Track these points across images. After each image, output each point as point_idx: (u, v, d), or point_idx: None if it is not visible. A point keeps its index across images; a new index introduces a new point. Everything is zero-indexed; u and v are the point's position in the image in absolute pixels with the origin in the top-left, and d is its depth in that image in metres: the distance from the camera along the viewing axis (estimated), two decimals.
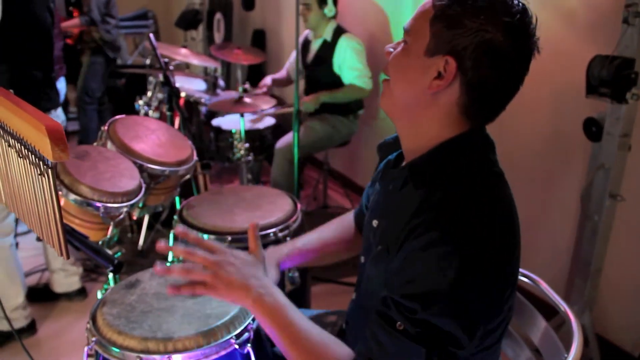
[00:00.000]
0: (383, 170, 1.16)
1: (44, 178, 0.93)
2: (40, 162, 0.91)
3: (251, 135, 3.24)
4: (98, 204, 1.53)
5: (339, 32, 3.21)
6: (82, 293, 2.72)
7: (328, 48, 3.21)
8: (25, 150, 0.95)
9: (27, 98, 0.95)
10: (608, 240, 2.15)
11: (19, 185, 1.04)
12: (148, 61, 3.57)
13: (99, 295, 1.68)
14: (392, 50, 1.03)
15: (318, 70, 3.30)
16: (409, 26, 1.00)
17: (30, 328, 2.45)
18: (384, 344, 0.91)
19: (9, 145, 1.01)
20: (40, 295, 2.68)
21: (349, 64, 3.15)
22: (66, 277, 2.65)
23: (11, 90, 1.04)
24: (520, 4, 0.95)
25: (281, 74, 3.67)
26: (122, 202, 1.59)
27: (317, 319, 1.45)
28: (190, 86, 3.63)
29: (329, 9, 3.18)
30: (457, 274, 0.85)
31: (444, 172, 0.97)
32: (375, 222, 1.12)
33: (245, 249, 1.34)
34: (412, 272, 0.89)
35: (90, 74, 4.40)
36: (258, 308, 1.01)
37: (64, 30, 4.32)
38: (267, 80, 3.57)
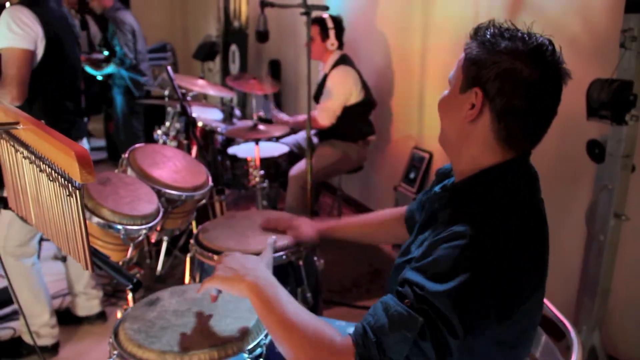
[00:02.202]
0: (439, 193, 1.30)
1: (72, 199, 1.01)
2: (69, 184, 1.00)
3: (266, 162, 3.33)
4: (119, 227, 1.62)
5: (336, 64, 3.32)
6: (102, 316, 2.79)
7: (325, 79, 3.35)
8: (55, 174, 1.04)
9: (59, 127, 1.05)
10: (615, 259, 2.18)
11: (48, 207, 1.12)
12: (167, 92, 3.69)
13: (119, 315, 1.75)
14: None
15: (319, 99, 3.42)
16: (452, 75, 1.16)
17: (54, 348, 2.53)
18: (388, 315, 0.98)
19: (40, 170, 1.10)
20: (63, 318, 2.75)
21: (324, 94, 3.27)
22: (87, 300, 2.73)
23: (42, 120, 1.14)
24: (540, 37, 1.07)
25: (302, 117, 3.75)
26: (141, 224, 1.68)
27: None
28: (207, 116, 3.75)
29: (331, 43, 3.30)
30: (471, 269, 0.94)
31: (482, 195, 1.08)
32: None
33: None
34: (431, 254, 1.00)
35: (132, 112, 4.47)
36: (252, 290, 1.14)
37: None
38: (284, 117, 3.65)
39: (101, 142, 5.51)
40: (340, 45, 3.38)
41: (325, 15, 3.29)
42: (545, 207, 1.13)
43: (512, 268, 0.98)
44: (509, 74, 1.03)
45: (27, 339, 2.47)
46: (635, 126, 2.01)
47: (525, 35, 1.06)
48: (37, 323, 2.44)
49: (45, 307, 2.47)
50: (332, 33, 3.28)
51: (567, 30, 2.38)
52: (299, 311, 1.09)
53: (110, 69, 4.23)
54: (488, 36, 1.08)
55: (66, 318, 2.76)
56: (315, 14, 3.09)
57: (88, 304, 2.74)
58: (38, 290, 2.45)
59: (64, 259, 2.36)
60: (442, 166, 1.38)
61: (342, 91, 3.25)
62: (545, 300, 1.38)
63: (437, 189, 1.28)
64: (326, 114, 3.25)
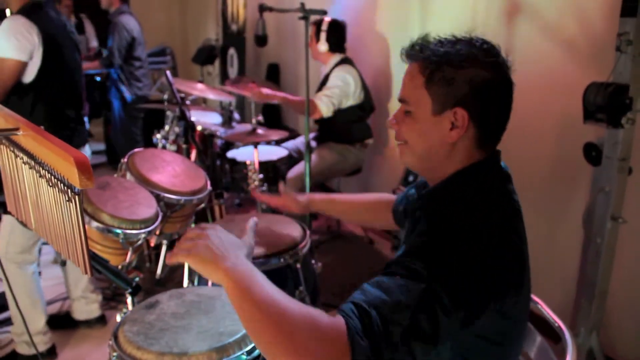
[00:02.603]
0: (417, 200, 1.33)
1: (71, 204, 1.02)
2: (68, 190, 1.01)
3: (265, 166, 3.34)
4: (118, 231, 1.64)
5: (338, 64, 3.35)
6: (101, 320, 2.79)
7: (327, 78, 3.36)
8: (55, 180, 1.05)
9: (61, 135, 1.06)
10: (612, 262, 2.19)
11: (48, 212, 1.14)
12: (166, 96, 3.71)
13: (118, 317, 1.76)
14: (395, 121, 1.18)
15: None
16: (406, 97, 1.15)
17: (50, 353, 2.54)
18: (382, 288, 0.96)
19: (40, 176, 1.11)
20: (62, 322, 2.76)
21: (327, 85, 3.28)
22: (86, 304, 2.74)
23: (42, 127, 1.15)
24: (491, 44, 1.12)
25: (298, 97, 3.78)
26: (140, 229, 1.70)
27: None
28: (206, 119, 3.76)
29: (321, 44, 3.32)
30: (458, 258, 0.97)
31: (457, 195, 1.11)
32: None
33: None
34: (418, 243, 1.05)
35: (127, 117, 4.49)
36: (230, 278, 0.99)
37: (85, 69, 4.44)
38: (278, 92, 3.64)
39: (101, 146, 5.52)
40: (342, 49, 3.40)
41: (327, 18, 3.32)
42: (521, 206, 1.17)
43: (489, 264, 1.00)
44: (482, 84, 1.07)
45: (20, 349, 2.47)
46: (631, 129, 2.03)
47: (471, 40, 1.11)
48: (32, 330, 2.44)
49: (41, 315, 2.48)
50: (322, 35, 3.30)
51: (564, 34, 2.40)
52: (283, 298, 0.96)
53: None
54: (440, 50, 1.10)
55: (65, 322, 2.77)
56: (314, 18, 3.10)
57: (87, 308, 2.75)
58: (36, 298, 2.46)
59: (63, 264, 2.37)
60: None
61: (342, 84, 3.28)
62: (541, 302, 1.40)
63: (413, 191, 1.35)
64: (326, 100, 3.23)
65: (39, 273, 3.00)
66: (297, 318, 0.92)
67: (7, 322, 2.73)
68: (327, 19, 3.30)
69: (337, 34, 3.36)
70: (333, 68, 3.35)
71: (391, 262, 1.03)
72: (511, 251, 1.07)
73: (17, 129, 1.17)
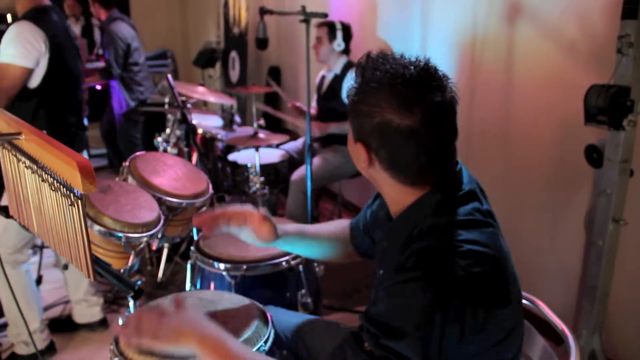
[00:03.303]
0: (380, 220, 1.29)
1: (74, 208, 1.03)
2: (71, 194, 1.01)
3: (266, 169, 3.34)
4: (120, 234, 1.64)
5: (348, 66, 3.36)
6: (103, 324, 2.79)
7: (338, 81, 3.36)
8: (57, 184, 1.05)
9: (63, 140, 1.06)
10: (614, 264, 2.19)
11: (50, 216, 1.14)
12: (167, 99, 3.71)
13: (121, 322, 1.76)
14: None
15: (330, 102, 3.43)
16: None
17: (49, 349, 2.55)
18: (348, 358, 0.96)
19: (42, 180, 1.12)
20: (63, 326, 2.76)
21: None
22: (88, 307, 2.74)
23: (44, 131, 1.15)
24: (412, 69, 1.00)
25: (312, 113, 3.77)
26: (142, 232, 1.70)
27: (335, 327, 1.53)
28: (207, 123, 3.77)
29: (338, 44, 3.34)
30: (419, 311, 0.91)
31: (416, 232, 1.03)
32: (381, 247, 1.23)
33: (261, 277, 1.45)
34: (384, 301, 0.97)
35: (127, 122, 4.49)
36: (204, 347, 1.04)
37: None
38: (302, 105, 3.64)
39: (102, 150, 5.52)
40: (347, 51, 3.42)
41: (335, 19, 3.36)
42: (496, 217, 1.08)
43: (461, 298, 0.93)
44: (383, 127, 0.99)
45: (19, 350, 2.48)
46: (632, 131, 2.02)
47: (397, 72, 0.99)
48: (29, 330, 2.44)
49: (36, 314, 2.48)
50: (339, 34, 3.34)
51: (565, 36, 2.40)
52: (259, 357, 1.08)
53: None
54: (362, 77, 1.04)
55: (67, 326, 2.76)
56: (315, 20, 3.11)
57: (89, 311, 2.75)
58: (31, 297, 2.47)
59: (65, 267, 2.37)
60: None
61: None
62: (544, 305, 1.40)
63: (370, 211, 1.32)
64: None
65: (41, 277, 3.03)
66: None
67: (2, 328, 2.73)
68: (337, 20, 3.34)
69: (348, 34, 3.41)
70: (344, 71, 3.35)
71: (361, 325, 0.99)
72: (483, 278, 0.97)
73: (19, 134, 1.17)
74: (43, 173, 1.10)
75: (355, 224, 1.49)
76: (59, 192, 1.06)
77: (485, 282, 0.96)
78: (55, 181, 1.06)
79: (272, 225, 1.37)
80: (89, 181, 0.94)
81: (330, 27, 3.34)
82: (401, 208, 1.09)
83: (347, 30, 3.40)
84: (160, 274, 3.16)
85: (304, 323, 1.53)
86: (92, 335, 2.76)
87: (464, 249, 0.97)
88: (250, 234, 1.38)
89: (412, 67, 1.00)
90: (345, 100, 3.39)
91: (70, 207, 1.04)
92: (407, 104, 0.98)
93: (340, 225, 1.54)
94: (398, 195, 1.09)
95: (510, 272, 1.04)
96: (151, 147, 3.51)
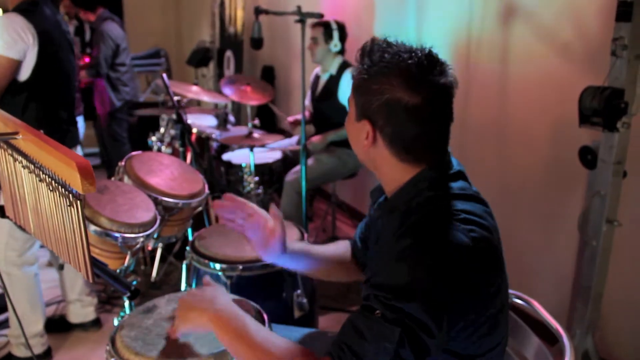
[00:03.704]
0: (377, 210, 1.31)
1: (72, 208, 1.02)
2: (70, 195, 1.01)
3: (260, 169, 3.35)
4: (116, 235, 1.63)
5: (344, 66, 3.34)
6: (97, 324, 2.78)
7: (334, 82, 3.35)
8: (55, 184, 1.05)
9: (54, 136, 1.06)
10: (607, 264, 2.20)
11: (48, 216, 1.13)
12: (160, 98, 3.70)
13: (116, 322, 1.76)
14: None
15: (325, 103, 3.43)
16: (348, 97, 1.17)
17: (47, 355, 2.54)
18: (362, 330, 0.98)
19: (40, 180, 1.11)
20: (57, 326, 2.75)
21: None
22: (82, 307, 2.73)
23: (41, 130, 1.15)
24: (419, 53, 1.06)
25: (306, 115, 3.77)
26: (138, 232, 1.69)
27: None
28: (201, 122, 3.76)
29: (334, 44, 3.32)
30: (425, 274, 0.96)
31: (412, 204, 1.08)
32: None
33: (257, 277, 1.46)
34: (389, 268, 1.01)
35: (113, 120, 4.48)
36: (216, 323, 1.11)
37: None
38: (298, 116, 3.66)
39: (95, 149, 5.49)
40: (343, 50, 3.40)
41: (331, 19, 3.33)
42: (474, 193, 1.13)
43: (464, 259, 0.99)
44: (392, 104, 1.05)
45: (16, 352, 2.46)
46: (626, 133, 2.04)
47: (403, 55, 1.05)
48: (30, 332, 2.43)
49: (40, 318, 2.48)
50: (335, 34, 3.32)
51: (560, 37, 2.42)
52: (270, 337, 1.08)
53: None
54: (370, 59, 1.08)
55: (60, 325, 2.75)
56: (311, 20, 3.11)
57: (83, 311, 2.74)
58: (36, 300, 2.46)
59: (61, 267, 2.36)
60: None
61: None
62: (538, 305, 1.41)
63: (374, 207, 1.31)
64: None
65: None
66: (284, 352, 1.04)
67: (5, 324, 2.72)
68: (331, 19, 3.32)
69: (344, 35, 3.40)
70: (340, 72, 3.34)
71: (368, 295, 1.01)
72: (476, 242, 1.02)
73: (16, 133, 1.16)
74: (40, 173, 1.10)
75: (354, 240, 1.52)
76: (57, 192, 1.05)
77: (485, 247, 1.03)
78: (53, 181, 1.06)
79: (283, 240, 1.38)
80: (89, 182, 0.93)
81: (326, 28, 3.32)
82: (397, 185, 1.13)
83: (342, 30, 3.39)
84: (154, 274, 3.16)
85: (303, 338, 1.54)
86: (86, 335, 2.75)
87: (462, 217, 1.03)
88: (260, 241, 1.39)
89: (418, 52, 1.07)
90: (342, 101, 3.38)
91: (68, 207, 1.03)
92: (415, 83, 1.04)
93: (343, 244, 1.57)
94: (396, 173, 1.13)
95: (501, 247, 1.10)
96: (145, 147, 3.50)
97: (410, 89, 1.04)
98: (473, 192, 1.13)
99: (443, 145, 1.13)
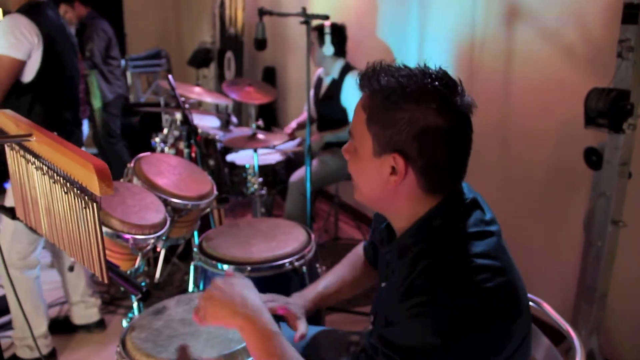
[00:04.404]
0: (380, 238, 1.24)
1: (87, 210, 1.02)
2: (85, 197, 1.01)
3: (264, 170, 3.35)
4: (127, 236, 1.64)
5: (346, 70, 3.34)
6: (101, 325, 2.78)
7: (336, 85, 3.34)
8: (70, 186, 1.05)
9: (60, 137, 1.07)
10: (612, 265, 2.21)
11: (61, 218, 1.13)
12: (162, 99, 3.70)
13: (124, 323, 1.76)
14: (347, 154, 1.12)
15: (328, 106, 3.43)
16: (352, 131, 1.08)
17: (51, 356, 2.54)
18: None
19: (54, 182, 1.11)
20: (61, 327, 2.75)
21: (353, 102, 3.26)
22: (86, 308, 2.73)
23: (55, 132, 1.15)
24: (439, 74, 1.00)
25: (304, 116, 3.78)
26: (149, 234, 1.69)
27: (342, 337, 1.53)
28: (204, 123, 3.76)
29: (327, 48, 3.30)
30: (441, 337, 0.90)
31: (424, 246, 1.02)
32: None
33: (265, 278, 1.48)
34: (400, 326, 0.95)
35: (108, 115, 4.54)
36: (246, 329, 1.12)
37: None
38: (293, 124, 3.67)
39: (93, 149, 5.49)
40: (345, 53, 3.40)
41: (327, 22, 3.30)
42: (496, 230, 1.06)
43: (482, 320, 0.92)
44: (426, 132, 0.97)
45: (20, 353, 2.46)
46: (632, 134, 2.05)
47: (421, 78, 0.99)
48: (35, 334, 2.44)
49: (43, 319, 2.48)
50: (327, 39, 3.29)
51: (565, 39, 2.42)
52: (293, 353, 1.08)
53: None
54: (383, 86, 1.00)
55: (64, 327, 2.76)
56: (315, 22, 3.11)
57: (86, 312, 2.74)
58: (38, 302, 2.46)
59: (71, 269, 2.36)
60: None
61: None
62: (548, 307, 1.41)
63: (378, 236, 1.25)
64: None
65: None
66: None
67: (6, 326, 2.72)
68: (327, 22, 3.30)
69: (340, 37, 3.36)
70: (342, 76, 3.33)
71: (375, 348, 0.98)
72: (495, 297, 0.95)
73: (30, 135, 1.17)
74: (55, 175, 1.10)
75: (367, 244, 1.52)
76: (72, 194, 1.06)
77: (500, 295, 0.95)
78: (68, 183, 1.06)
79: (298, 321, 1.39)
80: (106, 184, 0.94)
81: (319, 31, 3.30)
82: (410, 220, 1.06)
83: (339, 32, 3.36)
84: (157, 275, 3.16)
85: (314, 336, 1.54)
86: (90, 337, 2.75)
87: (475, 264, 0.96)
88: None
89: (433, 73, 1.00)
90: (344, 104, 3.38)
91: (83, 209, 1.04)
92: (445, 105, 0.98)
93: (356, 254, 1.56)
94: (413, 207, 1.05)
95: (518, 278, 1.04)
96: (147, 148, 3.50)
97: (442, 114, 0.97)
98: (485, 228, 1.03)
99: (465, 169, 1.07)
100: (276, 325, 1.14)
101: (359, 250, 1.56)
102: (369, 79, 1.03)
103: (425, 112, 0.97)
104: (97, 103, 4.50)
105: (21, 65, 2.25)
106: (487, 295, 0.93)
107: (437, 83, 0.98)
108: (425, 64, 1.03)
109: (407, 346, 0.92)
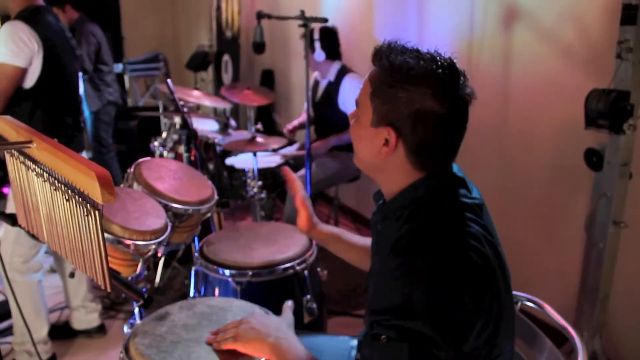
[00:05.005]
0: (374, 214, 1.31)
1: (89, 218, 1.01)
2: (87, 204, 1.00)
3: (264, 173, 3.34)
4: (128, 242, 1.63)
5: (342, 72, 3.32)
6: (101, 330, 2.77)
7: (333, 88, 3.33)
8: (72, 193, 1.04)
9: (60, 142, 1.06)
10: (614, 266, 2.21)
11: (63, 225, 1.12)
12: (160, 103, 3.70)
13: (125, 329, 1.75)
14: (353, 119, 1.19)
15: (325, 109, 3.42)
16: (357, 100, 1.15)
17: None
18: (372, 358, 0.99)
19: (55, 189, 1.10)
20: (61, 332, 2.74)
21: (352, 105, 3.25)
22: (86, 314, 2.72)
23: (55, 139, 1.14)
24: (444, 60, 1.07)
25: (303, 117, 3.77)
26: (150, 239, 1.68)
27: (344, 343, 1.54)
28: (203, 127, 3.75)
29: (318, 54, 3.29)
30: (421, 291, 0.95)
31: (406, 210, 1.09)
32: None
33: (266, 282, 1.49)
34: (386, 289, 1.01)
35: (100, 123, 4.47)
36: (276, 351, 1.16)
37: None
38: (295, 122, 3.67)
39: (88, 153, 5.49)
40: (339, 55, 3.38)
41: (317, 26, 3.28)
42: (478, 202, 1.12)
43: (459, 279, 0.97)
44: (421, 114, 1.04)
45: (20, 359, 2.45)
46: (632, 135, 2.05)
47: (429, 63, 1.05)
48: (35, 339, 2.43)
49: (44, 324, 2.48)
50: (317, 45, 3.27)
51: (563, 40, 2.42)
52: None
53: None
54: (391, 64, 1.06)
55: (64, 332, 2.74)
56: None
57: (87, 317, 2.73)
58: (40, 306, 2.46)
59: (72, 275, 2.35)
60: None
61: None
62: (550, 309, 1.41)
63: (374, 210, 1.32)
64: None
65: None
66: None
67: (6, 331, 2.71)
68: (316, 27, 3.28)
69: (331, 41, 3.33)
70: (339, 79, 3.32)
71: (371, 323, 1.01)
72: (472, 262, 1.01)
73: (30, 142, 1.16)
74: (56, 182, 1.09)
75: None
76: (73, 201, 1.05)
77: (474, 258, 1.00)
78: (69, 190, 1.05)
79: (308, 215, 1.54)
80: (108, 192, 0.93)
81: (310, 39, 3.25)
82: (398, 189, 1.13)
83: (329, 36, 3.33)
84: (157, 279, 3.15)
85: (315, 344, 1.55)
86: (90, 342, 2.74)
87: (453, 230, 1.03)
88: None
89: (442, 61, 1.06)
90: (342, 108, 3.37)
91: (85, 216, 1.03)
92: (444, 93, 1.04)
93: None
94: (403, 178, 1.12)
95: (494, 249, 1.07)
96: (146, 152, 3.49)
97: (439, 100, 1.04)
98: (467, 200, 1.10)
99: (456, 151, 1.13)
100: (310, 353, 1.18)
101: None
102: (381, 55, 1.09)
103: (422, 96, 1.03)
104: (85, 110, 4.45)
105: (22, 72, 2.25)
106: (462, 256, 0.99)
107: (440, 70, 1.04)
108: (436, 50, 1.10)
109: (393, 306, 0.97)
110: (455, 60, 1.09)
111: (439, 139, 1.07)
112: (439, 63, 1.05)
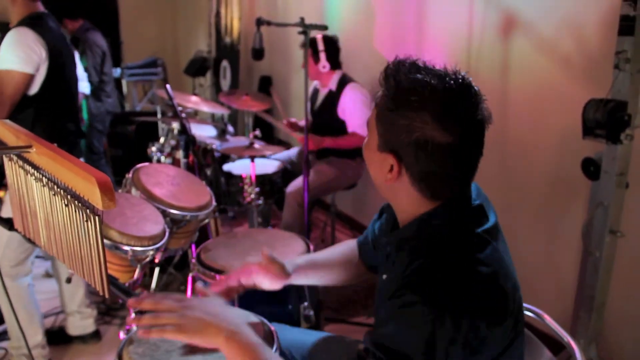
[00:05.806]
0: (385, 229, 1.28)
1: (89, 223, 1.01)
2: (87, 210, 1.00)
3: (261, 179, 3.33)
4: (126, 248, 1.62)
5: (343, 81, 3.32)
6: (96, 336, 2.76)
7: (333, 97, 3.33)
8: (71, 198, 1.04)
9: (63, 148, 1.06)
10: (610, 274, 2.21)
11: (61, 230, 1.12)
12: (158, 108, 3.69)
13: (122, 335, 1.75)
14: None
15: (324, 117, 3.42)
16: (368, 121, 1.10)
17: None
18: None
19: (54, 194, 1.10)
20: (56, 338, 2.72)
21: (353, 112, 3.26)
22: (81, 319, 2.71)
23: (55, 144, 1.14)
24: (456, 84, 0.98)
25: (302, 123, 3.77)
26: (148, 245, 1.68)
27: (350, 346, 1.53)
28: (201, 133, 3.75)
29: (323, 65, 3.29)
30: (428, 336, 0.90)
31: (421, 242, 1.04)
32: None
33: (262, 290, 1.47)
34: (389, 324, 0.96)
35: (93, 131, 4.41)
36: (231, 346, 1.02)
37: None
38: (295, 120, 3.66)
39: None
40: (338, 65, 3.39)
41: (319, 35, 3.28)
42: (503, 235, 1.08)
43: (470, 314, 0.93)
44: (421, 143, 0.97)
45: None
46: (629, 145, 2.05)
47: (434, 85, 0.97)
48: (30, 344, 2.42)
49: (38, 328, 2.46)
50: (322, 56, 3.27)
51: (562, 50, 2.44)
52: None
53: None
54: (396, 86, 1.00)
55: (59, 337, 2.73)
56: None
57: (82, 323, 2.72)
58: (33, 310, 2.44)
59: (68, 281, 2.34)
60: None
61: (368, 105, 3.25)
62: (550, 319, 1.41)
63: (379, 224, 1.28)
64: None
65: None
66: None
67: (1, 336, 2.69)
68: (319, 35, 3.29)
69: (334, 50, 3.34)
70: (340, 88, 3.32)
71: (370, 344, 0.98)
72: (483, 294, 0.96)
73: (29, 147, 1.16)
74: (55, 187, 1.09)
75: (363, 240, 1.50)
76: (72, 207, 1.05)
77: (486, 300, 0.96)
78: (69, 196, 1.05)
79: (279, 265, 1.37)
80: (109, 197, 0.93)
81: (313, 48, 3.26)
82: (411, 216, 1.08)
83: (332, 46, 3.33)
84: (153, 285, 3.13)
85: (311, 342, 1.53)
86: (85, 348, 2.72)
87: (465, 269, 0.97)
88: (265, 282, 1.39)
89: (451, 81, 0.98)
90: (341, 117, 3.37)
91: (85, 222, 1.03)
92: (447, 120, 0.96)
93: (348, 246, 1.54)
94: (413, 206, 1.07)
95: (511, 285, 1.03)
96: (143, 157, 3.49)
97: (442, 127, 0.96)
98: (485, 236, 1.03)
99: (470, 179, 1.07)
100: (258, 337, 1.08)
101: (352, 245, 1.54)
102: (387, 74, 1.03)
103: (422, 124, 0.96)
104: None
105: (30, 79, 2.25)
106: (472, 298, 0.94)
107: (449, 94, 0.97)
108: (454, 70, 1.01)
109: (392, 348, 0.93)
110: (470, 80, 1.01)
111: (447, 169, 1.00)
112: (448, 85, 0.97)
